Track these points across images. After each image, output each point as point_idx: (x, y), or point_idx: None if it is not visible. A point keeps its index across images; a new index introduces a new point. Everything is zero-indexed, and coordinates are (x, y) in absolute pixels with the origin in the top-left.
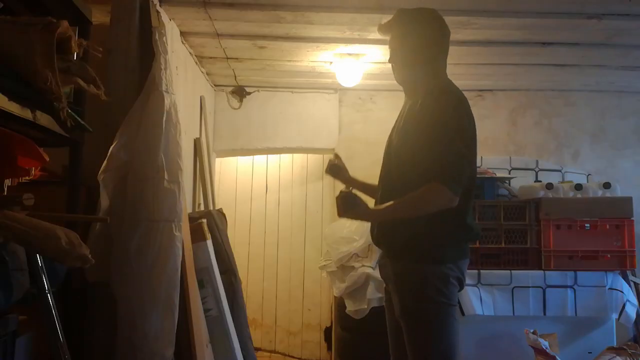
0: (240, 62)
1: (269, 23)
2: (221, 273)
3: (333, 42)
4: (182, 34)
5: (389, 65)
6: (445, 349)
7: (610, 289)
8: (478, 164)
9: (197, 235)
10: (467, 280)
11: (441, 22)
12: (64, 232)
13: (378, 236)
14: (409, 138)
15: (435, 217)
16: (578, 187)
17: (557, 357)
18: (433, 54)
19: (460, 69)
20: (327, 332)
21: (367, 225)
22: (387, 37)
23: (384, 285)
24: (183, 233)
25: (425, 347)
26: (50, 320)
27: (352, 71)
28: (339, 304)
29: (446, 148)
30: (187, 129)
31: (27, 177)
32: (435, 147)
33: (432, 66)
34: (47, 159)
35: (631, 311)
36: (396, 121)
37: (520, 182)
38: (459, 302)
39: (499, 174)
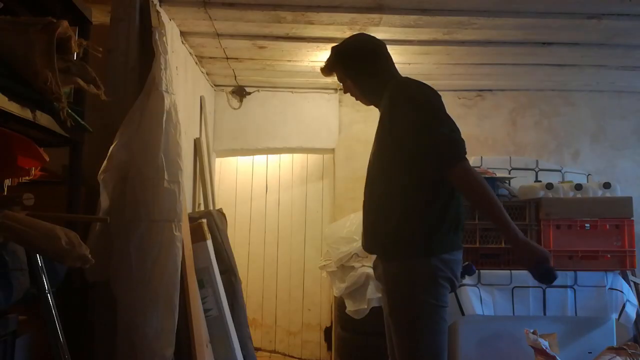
0: (240, 62)
1: (269, 23)
2: (221, 273)
3: (333, 42)
4: (182, 34)
5: None
6: (433, 349)
7: (610, 289)
8: (478, 164)
9: (197, 235)
10: (467, 280)
11: (371, 38)
12: (64, 232)
13: (366, 241)
14: (386, 139)
15: (409, 208)
16: (578, 187)
17: (557, 357)
18: (379, 66)
19: (460, 69)
20: (327, 332)
21: None
22: (333, 77)
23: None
24: (183, 233)
25: (412, 347)
26: (50, 320)
27: None
28: (339, 304)
29: (433, 131)
30: (187, 129)
31: (27, 177)
32: (422, 133)
33: (384, 76)
34: (47, 159)
35: (631, 311)
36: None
37: (520, 182)
38: (458, 302)
39: (499, 174)
